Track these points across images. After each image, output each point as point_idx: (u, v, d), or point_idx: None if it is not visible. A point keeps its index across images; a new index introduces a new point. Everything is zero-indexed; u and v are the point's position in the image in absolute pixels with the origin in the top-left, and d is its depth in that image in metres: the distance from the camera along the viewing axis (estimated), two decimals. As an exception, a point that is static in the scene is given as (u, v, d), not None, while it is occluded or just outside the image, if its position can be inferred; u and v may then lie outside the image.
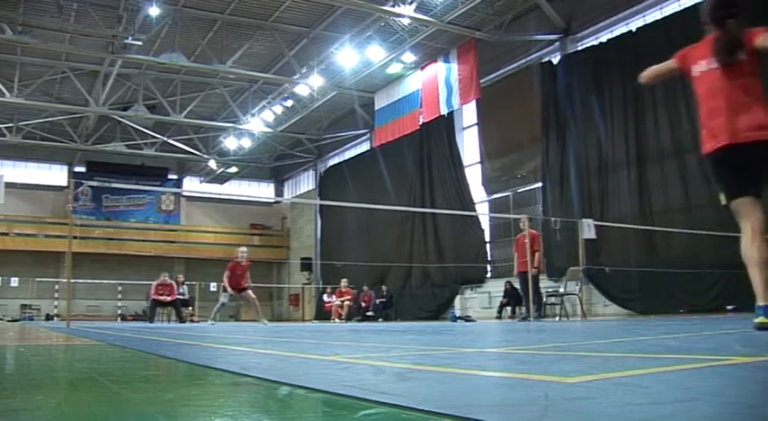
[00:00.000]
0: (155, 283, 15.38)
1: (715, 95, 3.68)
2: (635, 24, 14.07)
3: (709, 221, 11.60)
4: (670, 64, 4.23)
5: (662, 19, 13.32)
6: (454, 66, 16.75)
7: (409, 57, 17.76)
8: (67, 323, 9.30)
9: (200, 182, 29.20)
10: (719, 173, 3.69)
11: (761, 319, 3.60)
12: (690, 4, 12.82)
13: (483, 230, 17.63)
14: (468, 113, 18.89)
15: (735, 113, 3.52)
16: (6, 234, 25.39)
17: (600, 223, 11.97)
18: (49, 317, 23.60)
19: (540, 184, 15.69)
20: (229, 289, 12.23)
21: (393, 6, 14.64)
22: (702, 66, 3.83)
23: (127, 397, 1.62)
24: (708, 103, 3.72)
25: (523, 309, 11.79)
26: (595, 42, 14.80)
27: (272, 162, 28.82)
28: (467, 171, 18.38)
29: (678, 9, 13.09)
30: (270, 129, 22.87)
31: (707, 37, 3.86)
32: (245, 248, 13.35)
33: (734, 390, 1.41)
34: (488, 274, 17.49)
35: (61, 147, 24.72)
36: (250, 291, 12.60)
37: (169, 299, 15.16)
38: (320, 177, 26.67)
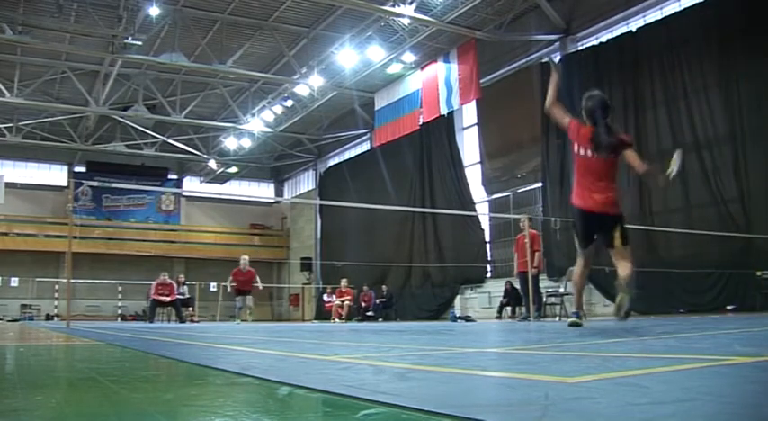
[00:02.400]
0: (155, 283, 15.37)
1: (588, 174, 5.07)
2: (635, 24, 14.06)
3: (710, 221, 11.61)
4: (564, 119, 5.30)
5: (662, 19, 13.32)
6: (454, 66, 16.75)
7: (409, 57, 17.76)
8: (67, 323, 9.30)
9: (200, 182, 29.19)
10: (579, 224, 5.28)
11: (573, 320, 5.41)
12: (690, 5, 12.83)
13: (483, 230, 17.62)
14: (468, 113, 18.88)
15: (596, 191, 5.02)
16: (6, 234, 25.38)
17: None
18: (48, 317, 23.59)
19: (540, 184, 15.69)
20: (231, 290, 13.05)
21: (393, 6, 14.63)
22: (582, 151, 5.05)
23: (127, 397, 1.62)
24: (582, 176, 5.13)
25: (523, 309, 11.78)
26: (595, 42, 14.80)
27: (272, 162, 28.82)
28: (467, 171, 18.37)
29: (678, 9, 13.09)
30: (270, 129, 22.87)
31: (588, 126, 5.05)
32: (246, 257, 14.03)
33: (734, 390, 1.41)
34: (488, 274, 17.49)
35: (61, 147, 24.72)
36: (249, 297, 13.41)
37: (169, 299, 15.15)
38: (320, 177, 26.67)
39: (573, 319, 5.40)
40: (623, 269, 5.03)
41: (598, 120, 4.95)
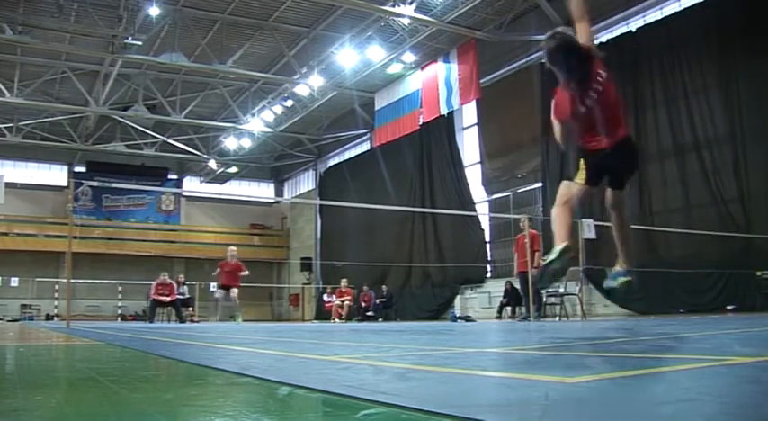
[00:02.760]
0: (154, 283, 15.37)
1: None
2: (635, 24, 14.06)
3: (710, 221, 11.61)
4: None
5: (662, 19, 13.32)
6: (454, 66, 16.75)
7: (409, 57, 17.76)
8: (67, 323, 9.30)
9: (200, 182, 29.18)
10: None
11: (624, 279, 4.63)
12: (690, 5, 12.83)
13: (483, 230, 17.62)
14: (468, 113, 18.88)
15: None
16: (6, 234, 25.37)
17: (600, 223, 11.96)
18: (48, 317, 23.59)
19: (540, 184, 15.68)
20: (217, 285, 12.89)
21: (393, 6, 14.63)
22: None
23: (127, 397, 1.62)
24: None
25: (523, 309, 11.79)
26: (595, 42, 14.78)
27: (272, 162, 28.81)
28: (467, 171, 18.37)
29: (678, 9, 13.09)
30: (270, 129, 22.87)
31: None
32: (234, 248, 13.70)
33: (734, 390, 1.41)
34: (488, 274, 17.48)
35: (61, 147, 24.71)
36: (235, 291, 12.89)
37: (169, 299, 15.14)
38: (320, 177, 26.66)
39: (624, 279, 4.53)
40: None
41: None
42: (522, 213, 12.70)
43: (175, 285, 15.47)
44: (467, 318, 14.50)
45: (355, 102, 21.40)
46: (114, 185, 16.04)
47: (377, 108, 19.80)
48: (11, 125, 22.72)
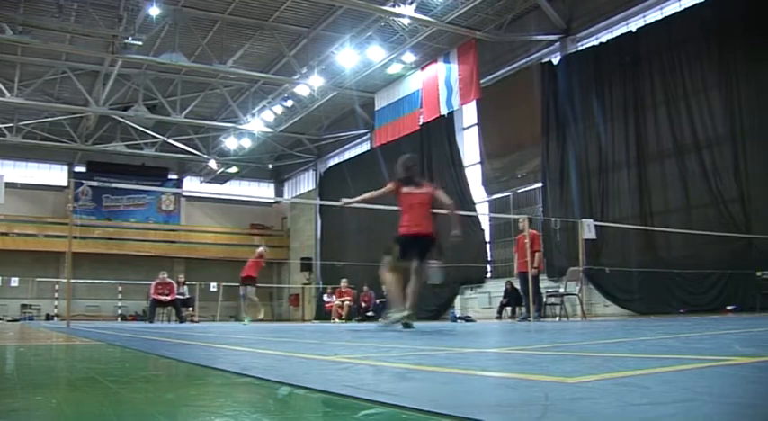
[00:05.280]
0: (154, 283, 15.34)
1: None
2: (635, 24, 14.06)
3: (709, 221, 11.61)
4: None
5: (662, 19, 13.32)
6: (454, 66, 16.74)
7: (409, 57, 17.75)
8: (67, 323, 9.30)
9: (201, 182, 29.19)
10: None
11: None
12: (690, 5, 12.83)
13: (483, 230, 17.61)
14: (469, 113, 18.88)
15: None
16: (6, 234, 25.38)
17: (600, 223, 11.97)
18: (49, 317, 23.60)
19: (540, 185, 15.68)
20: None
21: (393, 6, 14.63)
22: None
23: (127, 397, 1.62)
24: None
25: (523, 309, 11.79)
26: (595, 42, 14.79)
27: (272, 162, 28.81)
28: (467, 171, 18.37)
29: (678, 9, 13.09)
30: (270, 129, 22.87)
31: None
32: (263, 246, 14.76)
33: (734, 390, 1.41)
34: (488, 274, 17.48)
35: (61, 147, 24.72)
36: (251, 288, 13.43)
37: (169, 298, 15.13)
38: (320, 177, 26.66)
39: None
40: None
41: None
42: (522, 213, 12.70)
43: (175, 284, 15.45)
44: (467, 319, 14.50)
45: (355, 102, 21.40)
46: (114, 185, 16.03)
47: (377, 108, 19.79)
48: (11, 125, 22.73)
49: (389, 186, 6.65)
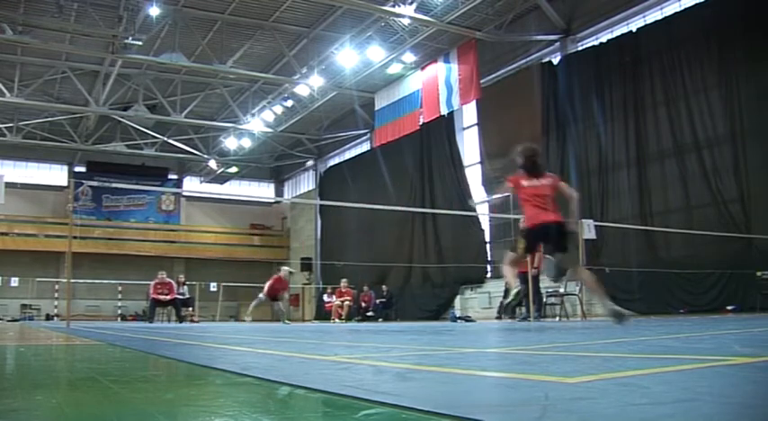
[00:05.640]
0: (153, 282, 15.32)
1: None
2: (635, 24, 14.06)
3: (709, 221, 11.61)
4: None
5: (662, 19, 13.33)
6: (454, 66, 16.74)
7: (409, 57, 17.75)
8: (67, 323, 9.30)
9: (201, 182, 29.18)
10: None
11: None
12: (690, 5, 12.83)
13: (483, 230, 17.62)
14: (469, 113, 18.88)
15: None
16: (6, 234, 25.38)
17: (600, 223, 11.96)
18: (49, 317, 23.59)
19: (540, 185, 15.65)
20: (263, 294, 14.81)
21: (393, 6, 14.63)
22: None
23: (127, 397, 1.62)
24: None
25: (524, 309, 11.78)
26: (596, 42, 14.80)
27: (272, 162, 28.82)
28: (467, 171, 18.37)
29: (678, 9, 13.10)
30: (270, 129, 22.86)
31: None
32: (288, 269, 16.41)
33: (734, 390, 1.41)
34: (488, 274, 17.48)
35: (61, 147, 24.72)
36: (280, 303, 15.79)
37: (168, 297, 15.10)
38: (320, 177, 26.66)
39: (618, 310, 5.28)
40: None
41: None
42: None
43: (174, 284, 15.43)
44: (467, 319, 14.50)
45: (355, 102, 21.40)
46: (114, 185, 16.04)
47: (377, 108, 19.79)
48: (11, 125, 22.72)
49: (508, 185, 6.33)
